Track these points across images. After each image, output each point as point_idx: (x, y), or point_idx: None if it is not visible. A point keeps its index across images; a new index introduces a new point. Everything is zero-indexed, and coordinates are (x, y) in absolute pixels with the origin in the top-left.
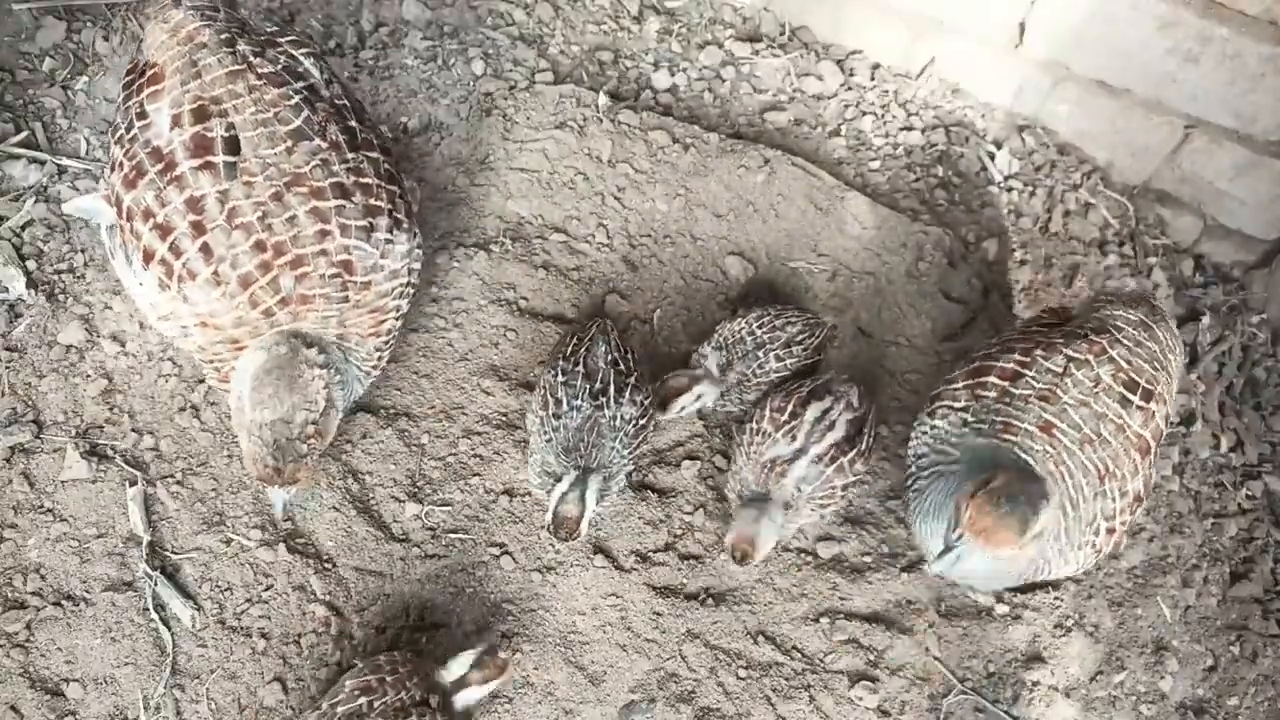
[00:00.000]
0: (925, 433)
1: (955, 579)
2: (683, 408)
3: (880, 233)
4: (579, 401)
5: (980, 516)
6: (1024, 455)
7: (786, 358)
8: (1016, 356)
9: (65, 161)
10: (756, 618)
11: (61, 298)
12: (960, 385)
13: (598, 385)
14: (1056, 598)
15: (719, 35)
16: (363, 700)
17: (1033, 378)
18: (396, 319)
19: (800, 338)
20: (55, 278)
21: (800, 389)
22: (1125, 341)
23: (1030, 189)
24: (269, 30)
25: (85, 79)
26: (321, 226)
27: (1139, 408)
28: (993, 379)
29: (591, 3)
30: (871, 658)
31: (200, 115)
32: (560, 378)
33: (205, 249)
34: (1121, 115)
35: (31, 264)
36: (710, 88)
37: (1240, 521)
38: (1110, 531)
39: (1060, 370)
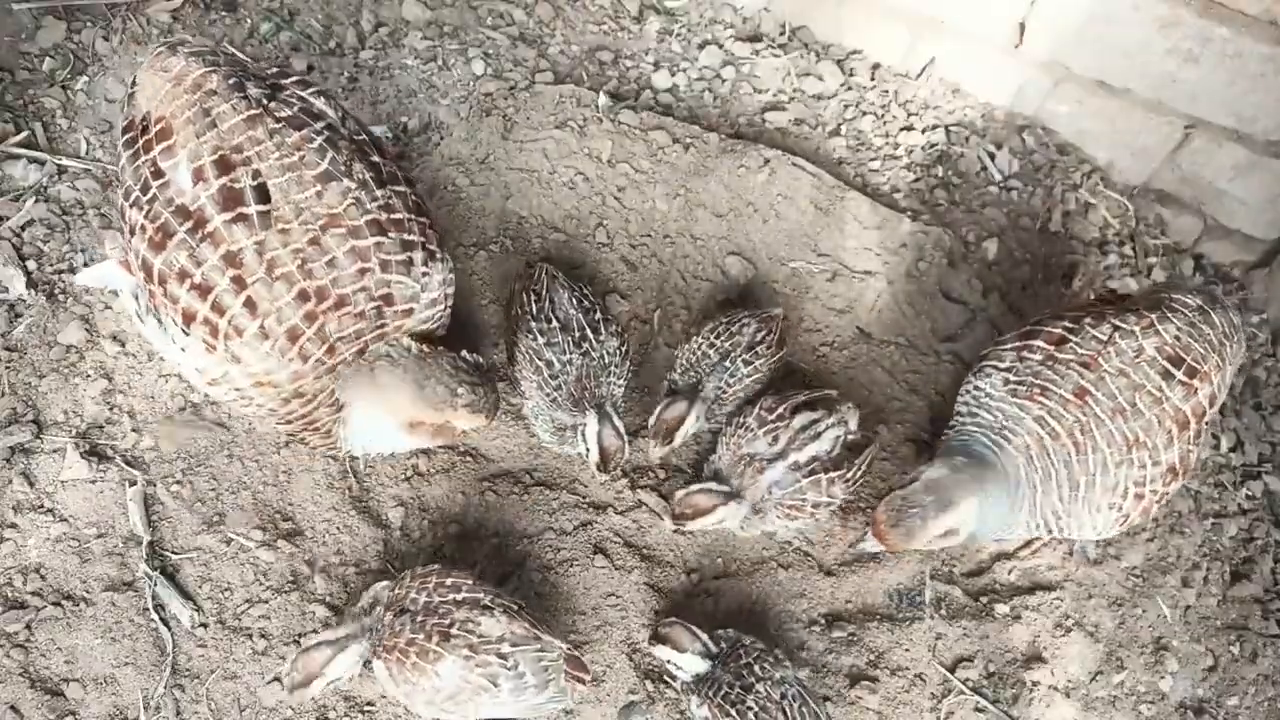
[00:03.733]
0: (968, 392)
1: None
2: (685, 433)
3: (880, 233)
4: (568, 356)
5: (879, 521)
6: (1005, 439)
7: (755, 360)
8: (1065, 323)
9: (65, 161)
10: (756, 617)
11: (61, 298)
12: (1008, 347)
13: (577, 334)
14: (1056, 598)
15: (719, 35)
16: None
17: (1077, 344)
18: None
19: (760, 337)
20: (55, 278)
21: (796, 396)
22: (1176, 320)
23: (1030, 189)
24: (270, 72)
25: (85, 79)
26: (361, 265)
27: (1181, 383)
28: (1039, 343)
29: (591, 3)
30: (871, 658)
31: (224, 166)
32: (541, 339)
33: (249, 303)
34: (1121, 115)
35: (31, 264)
36: (710, 88)
37: (1240, 521)
38: (1139, 497)
39: (1105, 338)
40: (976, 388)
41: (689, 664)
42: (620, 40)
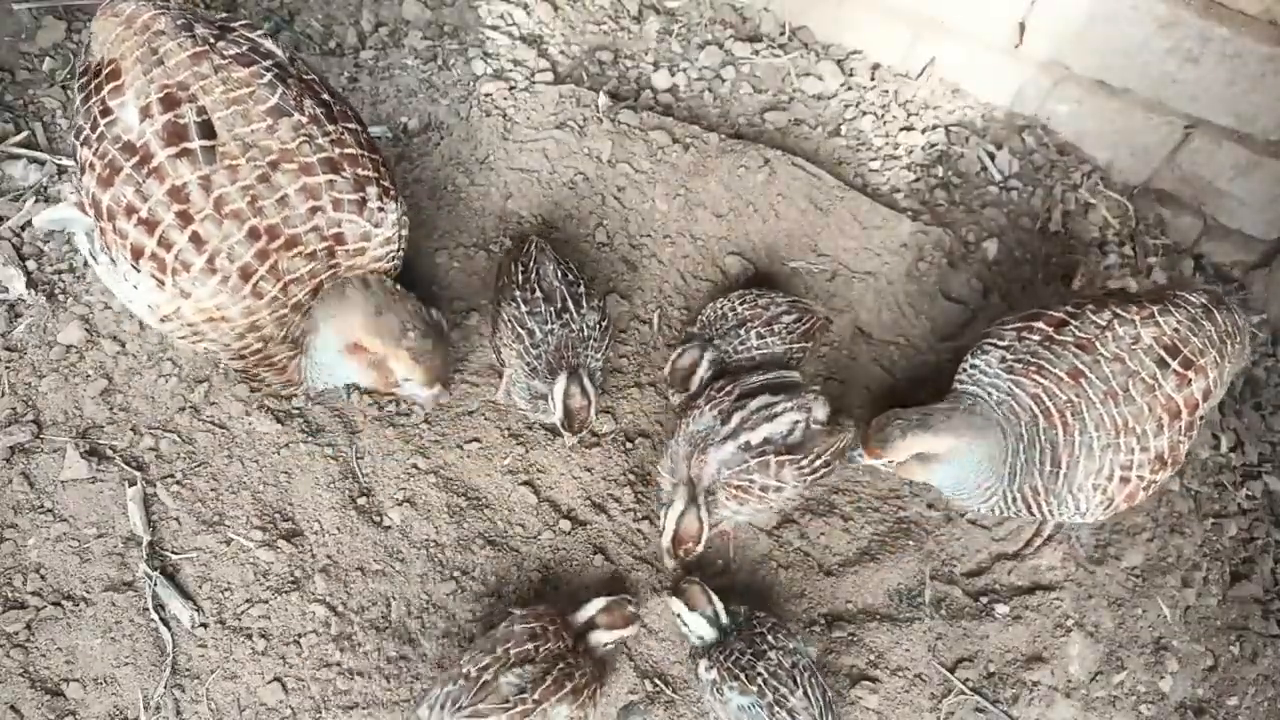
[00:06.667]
0: (965, 370)
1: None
2: (700, 379)
3: (880, 233)
4: (550, 326)
5: (869, 425)
6: (1000, 411)
7: (768, 335)
8: (1068, 308)
9: (65, 161)
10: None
11: (61, 298)
12: (1010, 327)
13: (559, 305)
14: (1056, 598)
15: (719, 35)
16: (530, 645)
17: (1076, 327)
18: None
19: (784, 319)
20: (55, 278)
21: (750, 378)
22: (1178, 314)
23: (1030, 189)
24: (220, 17)
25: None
26: (313, 203)
27: (1175, 372)
28: (1040, 324)
29: (591, 3)
30: (871, 658)
31: (169, 103)
32: (525, 308)
33: (196, 238)
34: (1121, 115)
35: (31, 264)
36: (710, 88)
37: (1240, 521)
38: (1125, 481)
39: (1104, 324)
40: (973, 365)
41: (695, 624)
42: (620, 40)
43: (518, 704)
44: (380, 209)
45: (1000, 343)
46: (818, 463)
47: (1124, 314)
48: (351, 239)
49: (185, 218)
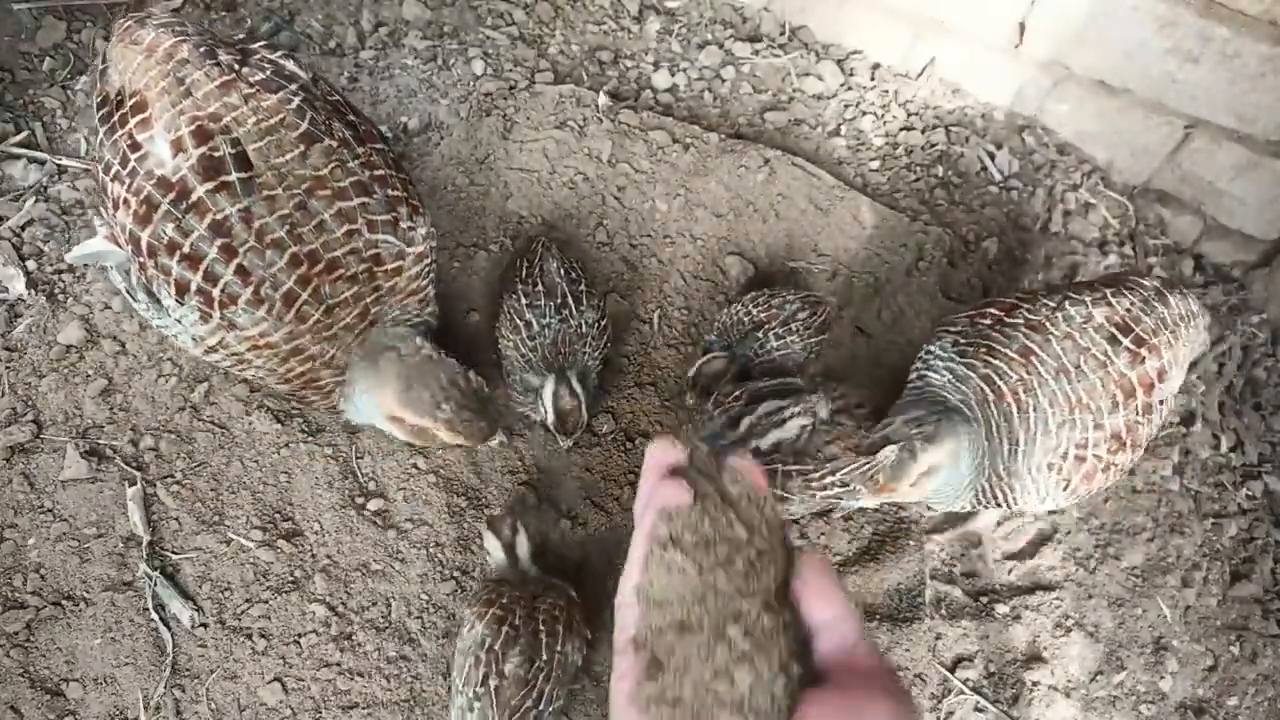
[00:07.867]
0: (920, 357)
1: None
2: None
3: (880, 233)
4: (547, 320)
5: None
6: (953, 397)
7: (786, 335)
8: (1020, 294)
9: (65, 161)
10: None
11: (61, 298)
12: (963, 315)
13: (559, 300)
14: (1056, 598)
15: (719, 35)
16: (507, 631)
17: (1028, 310)
18: (432, 294)
19: (800, 315)
20: (55, 278)
21: (759, 384)
22: (1130, 296)
23: (1030, 189)
24: (237, 38)
25: (85, 79)
26: (349, 227)
27: (1128, 349)
28: (992, 310)
29: (591, 3)
30: None
31: (202, 135)
32: (524, 300)
33: (241, 271)
34: (1121, 115)
35: (31, 264)
36: (710, 88)
37: (1240, 521)
38: (1080, 459)
39: (1054, 305)
40: (928, 351)
41: None
42: (620, 40)
43: (535, 675)
44: (411, 227)
45: (953, 328)
46: (830, 479)
47: (1076, 296)
48: (388, 259)
49: (229, 251)
